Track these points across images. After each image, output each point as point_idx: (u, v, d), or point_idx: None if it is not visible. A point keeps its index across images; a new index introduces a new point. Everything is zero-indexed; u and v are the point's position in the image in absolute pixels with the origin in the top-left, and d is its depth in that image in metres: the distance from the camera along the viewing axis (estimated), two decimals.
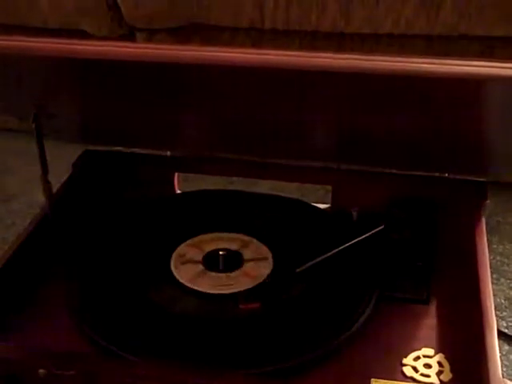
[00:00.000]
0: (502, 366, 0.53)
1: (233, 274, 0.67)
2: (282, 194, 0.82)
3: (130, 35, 1.20)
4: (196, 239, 0.73)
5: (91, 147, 0.83)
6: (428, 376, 0.57)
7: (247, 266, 0.68)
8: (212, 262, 0.69)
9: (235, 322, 0.62)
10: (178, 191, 0.85)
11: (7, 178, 1.23)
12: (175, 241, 0.72)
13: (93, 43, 0.48)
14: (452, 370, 0.58)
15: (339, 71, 0.45)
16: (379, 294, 0.65)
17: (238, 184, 0.96)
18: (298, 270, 0.66)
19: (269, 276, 0.66)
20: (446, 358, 0.59)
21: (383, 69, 0.44)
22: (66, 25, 1.20)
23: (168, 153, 0.83)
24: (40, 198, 0.71)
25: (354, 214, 0.75)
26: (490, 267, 0.64)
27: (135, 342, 0.59)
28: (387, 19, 1.03)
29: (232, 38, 1.12)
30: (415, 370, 0.58)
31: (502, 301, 0.90)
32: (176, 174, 0.84)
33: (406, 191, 0.75)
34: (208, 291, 0.65)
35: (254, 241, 0.72)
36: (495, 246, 1.01)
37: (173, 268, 0.68)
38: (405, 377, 0.57)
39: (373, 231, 0.69)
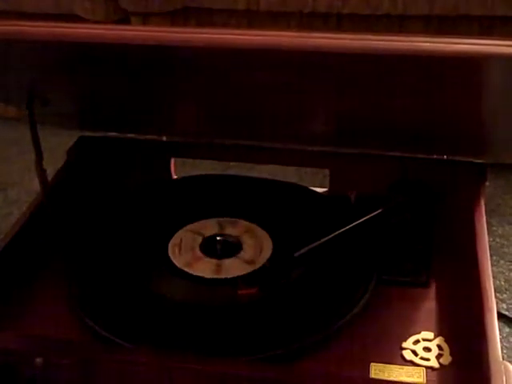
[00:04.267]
0: (502, 349, 0.53)
1: (231, 260, 0.67)
2: (280, 179, 0.81)
3: (124, 19, 1.19)
4: (194, 225, 0.72)
5: (86, 133, 0.82)
6: (428, 359, 0.57)
7: (245, 251, 0.68)
8: (210, 247, 0.69)
9: (234, 308, 0.62)
10: (175, 176, 0.84)
11: (4, 167, 1.22)
12: (173, 227, 0.72)
13: (87, 26, 0.48)
14: (452, 353, 0.58)
15: (336, 51, 0.44)
16: (378, 278, 0.64)
17: (236, 169, 0.96)
18: (296, 254, 0.66)
19: (268, 261, 0.66)
20: (446, 341, 0.59)
21: (381, 48, 0.43)
22: (59, 9, 1.20)
23: (164, 138, 0.82)
24: (37, 186, 0.70)
25: (352, 197, 0.74)
26: (490, 249, 0.63)
27: (133, 330, 0.59)
28: (385, 0, 1.02)
29: (227, 21, 1.11)
30: (415, 353, 0.58)
31: (502, 283, 0.90)
32: (172, 160, 0.83)
33: (405, 174, 0.74)
34: (206, 277, 0.65)
35: (252, 225, 0.72)
36: (495, 228, 1.01)
37: (171, 254, 0.68)
38: (404, 360, 0.57)
39: (371, 214, 0.69)
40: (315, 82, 0.54)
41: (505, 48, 0.41)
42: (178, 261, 0.67)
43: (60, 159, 0.79)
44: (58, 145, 0.81)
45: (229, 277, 0.65)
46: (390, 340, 0.59)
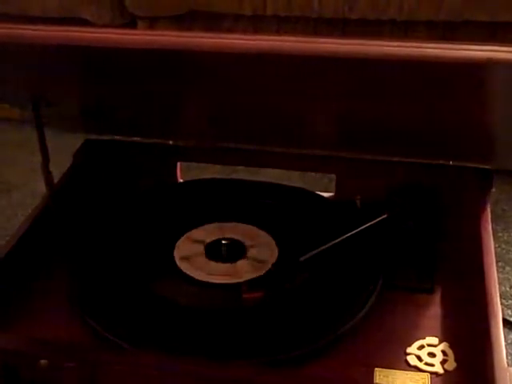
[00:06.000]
0: (506, 355, 0.53)
1: (236, 264, 0.67)
2: (286, 183, 0.81)
3: (131, 23, 1.19)
4: (199, 228, 0.72)
5: (92, 137, 0.82)
6: (432, 365, 0.57)
7: (250, 256, 0.68)
8: (215, 251, 0.69)
9: (238, 312, 0.62)
10: (181, 180, 0.84)
11: (9, 169, 1.23)
12: (178, 230, 0.72)
13: (93, 30, 0.48)
14: (456, 359, 0.57)
15: (342, 57, 0.44)
16: (383, 283, 0.64)
17: (241, 173, 0.96)
18: (301, 258, 0.66)
19: (273, 265, 0.66)
20: (451, 346, 0.59)
21: (386, 54, 0.43)
22: (66, 13, 1.20)
23: (170, 142, 0.83)
24: (42, 188, 0.71)
25: (358, 201, 0.74)
26: (495, 255, 0.63)
27: (137, 333, 0.59)
28: (390, 6, 1.02)
29: (234, 25, 1.11)
30: (419, 358, 0.57)
31: (508, 289, 0.90)
32: (178, 163, 0.83)
33: (411, 179, 0.74)
34: (211, 281, 0.65)
35: (258, 230, 0.72)
36: (500, 234, 1.00)
37: (176, 258, 0.68)
38: (409, 366, 0.57)
39: (376, 220, 0.69)
40: (321, 87, 0.54)
41: (510, 54, 0.41)
42: (183, 264, 0.67)
43: (65, 162, 0.79)
44: (63, 147, 0.81)
45: (234, 281, 0.65)
46: (394, 345, 0.59)
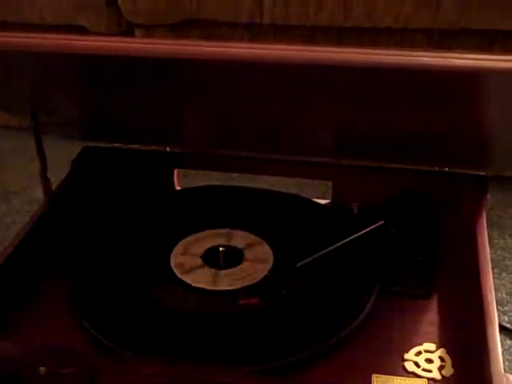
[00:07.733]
0: (503, 361, 0.53)
1: (233, 270, 0.67)
2: (282, 190, 0.81)
3: (128, 31, 1.19)
4: (196, 236, 0.73)
5: (90, 144, 0.82)
6: (430, 371, 0.57)
7: (247, 262, 0.68)
8: (212, 258, 0.69)
9: (235, 319, 0.62)
10: (178, 187, 0.84)
11: (7, 176, 1.23)
12: (175, 237, 0.72)
13: (91, 39, 0.48)
14: (454, 365, 0.58)
15: (338, 65, 0.45)
16: (380, 289, 0.64)
17: (238, 180, 0.96)
18: (298, 265, 0.66)
19: (270, 271, 0.66)
20: (448, 352, 0.59)
21: (382, 62, 0.43)
22: (64, 21, 1.20)
23: (167, 149, 0.83)
24: (40, 195, 0.71)
25: (355, 208, 0.75)
26: (491, 262, 0.63)
27: (136, 339, 0.59)
28: (386, 14, 1.03)
29: (231, 33, 1.12)
30: (417, 365, 0.58)
31: (504, 295, 0.90)
32: (175, 171, 0.84)
33: (407, 186, 0.74)
34: (208, 287, 0.65)
35: (254, 236, 0.72)
36: (496, 241, 1.01)
37: (173, 265, 0.68)
38: (406, 372, 0.57)
39: (373, 226, 0.69)
40: (317, 95, 0.54)
41: (506, 63, 0.41)
42: (180, 271, 0.67)
43: (63, 169, 0.79)
44: (61, 154, 0.82)
45: (230, 288, 0.65)
46: (391, 351, 0.59)
